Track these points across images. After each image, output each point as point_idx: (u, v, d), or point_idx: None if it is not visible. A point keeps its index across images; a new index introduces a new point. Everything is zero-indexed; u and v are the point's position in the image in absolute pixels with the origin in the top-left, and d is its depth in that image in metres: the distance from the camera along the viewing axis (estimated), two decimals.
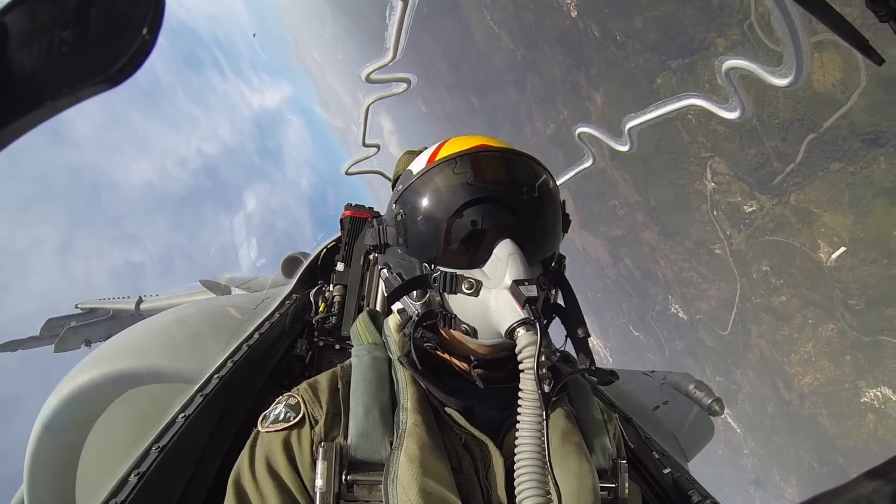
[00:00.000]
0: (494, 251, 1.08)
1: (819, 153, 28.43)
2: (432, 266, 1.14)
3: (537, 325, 0.98)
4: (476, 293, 1.09)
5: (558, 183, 1.25)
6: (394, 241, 1.21)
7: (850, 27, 0.78)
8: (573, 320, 1.20)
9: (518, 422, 0.97)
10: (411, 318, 1.19)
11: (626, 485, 1.25)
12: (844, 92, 25.85)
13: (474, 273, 1.10)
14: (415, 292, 1.17)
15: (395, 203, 1.22)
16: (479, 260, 1.10)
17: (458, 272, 1.11)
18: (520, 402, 0.97)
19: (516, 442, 0.96)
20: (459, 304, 1.12)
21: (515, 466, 0.94)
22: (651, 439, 2.11)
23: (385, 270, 1.26)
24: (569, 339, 1.22)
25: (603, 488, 1.18)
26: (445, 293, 1.13)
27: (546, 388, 0.95)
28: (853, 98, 25.52)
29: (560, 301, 1.25)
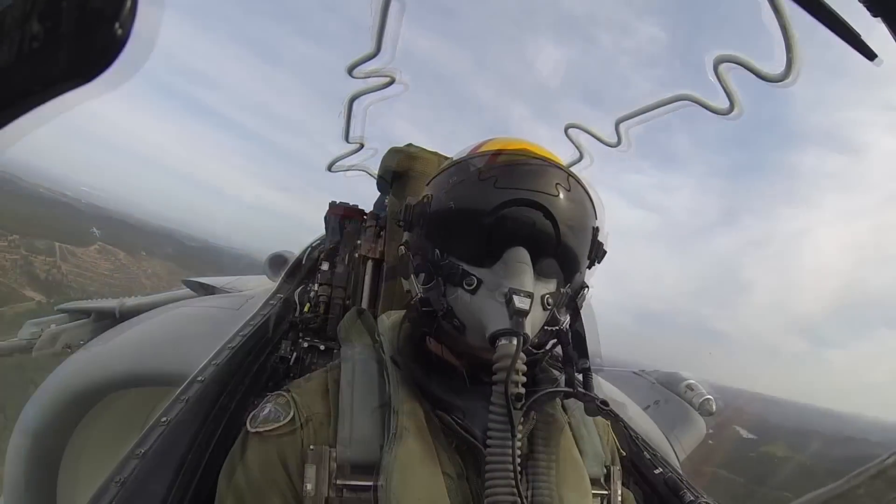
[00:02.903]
0: (504, 255, 1.06)
1: None
2: (444, 254, 1.12)
3: (518, 338, 0.97)
4: (474, 292, 1.06)
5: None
6: (417, 223, 1.20)
7: (843, 23, 0.78)
8: (576, 348, 1.18)
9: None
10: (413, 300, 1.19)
11: (620, 491, 1.26)
12: None
13: (480, 271, 1.07)
14: (423, 276, 1.16)
15: (427, 185, 1.23)
16: (487, 259, 1.07)
17: (465, 266, 1.08)
18: (490, 416, 0.95)
19: (486, 460, 0.95)
20: (457, 298, 1.09)
21: (485, 486, 0.93)
22: (642, 439, 2.12)
23: (403, 248, 1.26)
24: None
25: (595, 495, 1.18)
26: (448, 284, 1.11)
27: (518, 405, 0.94)
28: None
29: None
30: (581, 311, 1.21)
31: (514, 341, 0.96)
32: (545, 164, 1.14)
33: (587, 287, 1.21)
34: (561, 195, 1.11)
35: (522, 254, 1.05)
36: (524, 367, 0.96)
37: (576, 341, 1.19)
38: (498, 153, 1.16)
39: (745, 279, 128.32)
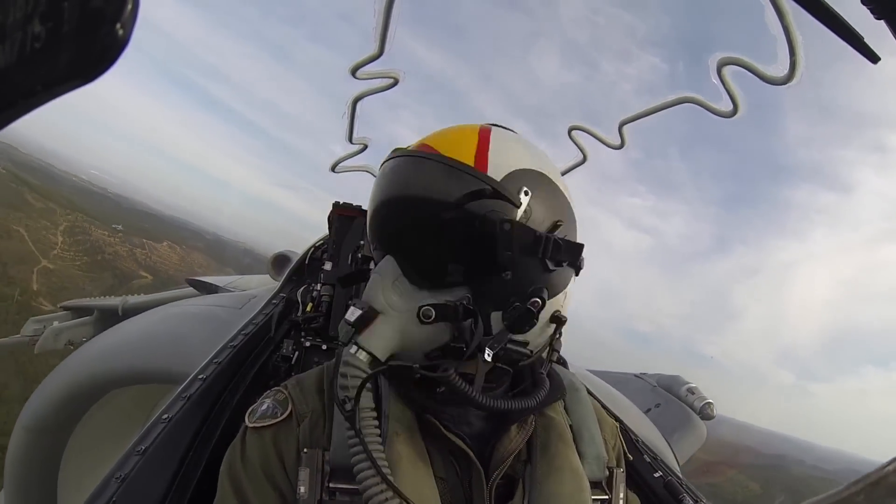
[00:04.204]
0: None
1: None
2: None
3: (342, 347, 1.00)
4: None
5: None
6: None
7: (846, 25, 0.77)
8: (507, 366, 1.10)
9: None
10: None
11: (622, 495, 1.22)
12: None
13: None
14: None
15: None
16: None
17: None
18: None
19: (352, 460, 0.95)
20: None
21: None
22: (642, 442, 2.11)
23: None
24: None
25: (595, 500, 1.14)
26: None
27: (347, 409, 0.95)
28: None
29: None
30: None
31: (346, 349, 0.99)
32: (415, 160, 1.05)
33: (540, 296, 1.01)
34: (420, 192, 1.02)
35: (382, 263, 1.04)
36: (357, 373, 0.96)
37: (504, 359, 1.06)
38: (384, 163, 1.11)
39: (735, 306, 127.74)
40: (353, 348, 0.97)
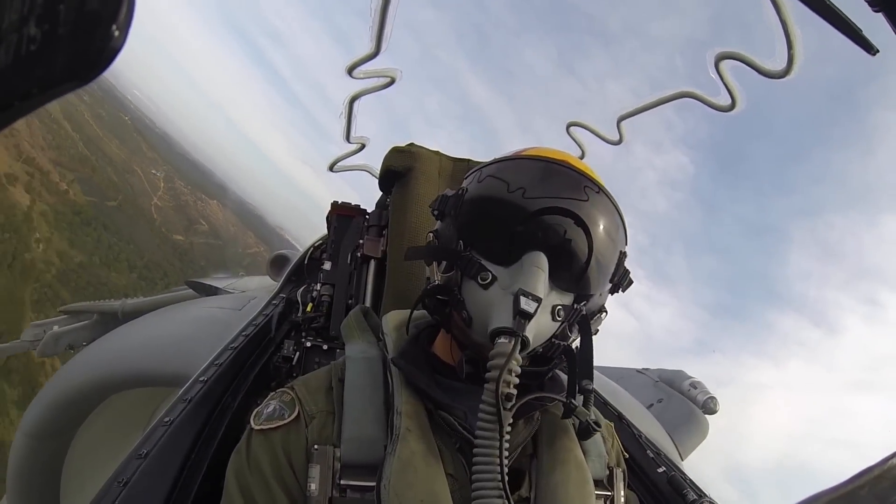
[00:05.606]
0: (523, 257, 1.05)
1: None
2: (466, 247, 1.12)
3: (517, 339, 0.96)
4: (486, 287, 1.06)
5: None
6: (448, 212, 1.20)
7: (843, 18, 0.77)
8: (581, 368, 1.16)
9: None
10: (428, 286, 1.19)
11: (623, 493, 1.26)
12: None
13: (496, 269, 1.07)
14: (444, 264, 1.15)
15: (465, 178, 1.24)
16: (507, 259, 1.07)
17: (483, 261, 1.08)
18: (479, 413, 0.95)
19: (473, 461, 0.94)
20: (470, 291, 1.09)
21: (472, 485, 0.93)
22: (645, 437, 2.11)
23: (431, 234, 1.26)
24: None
25: (598, 496, 1.18)
26: (464, 276, 1.10)
27: (507, 405, 0.93)
28: None
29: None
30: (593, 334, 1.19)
31: (512, 341, 0.96)
32: (584, 180, 1.13)
33: (605, 311, 1.20)
34: (594, 213, 1.10)
35: (540, 259, 1.04)
36: (518, 369, 0.95)
37: (582, 361, 1.16)
38: (540, 159, 1.15)
39: None
40: (511, 339, 0.97)
